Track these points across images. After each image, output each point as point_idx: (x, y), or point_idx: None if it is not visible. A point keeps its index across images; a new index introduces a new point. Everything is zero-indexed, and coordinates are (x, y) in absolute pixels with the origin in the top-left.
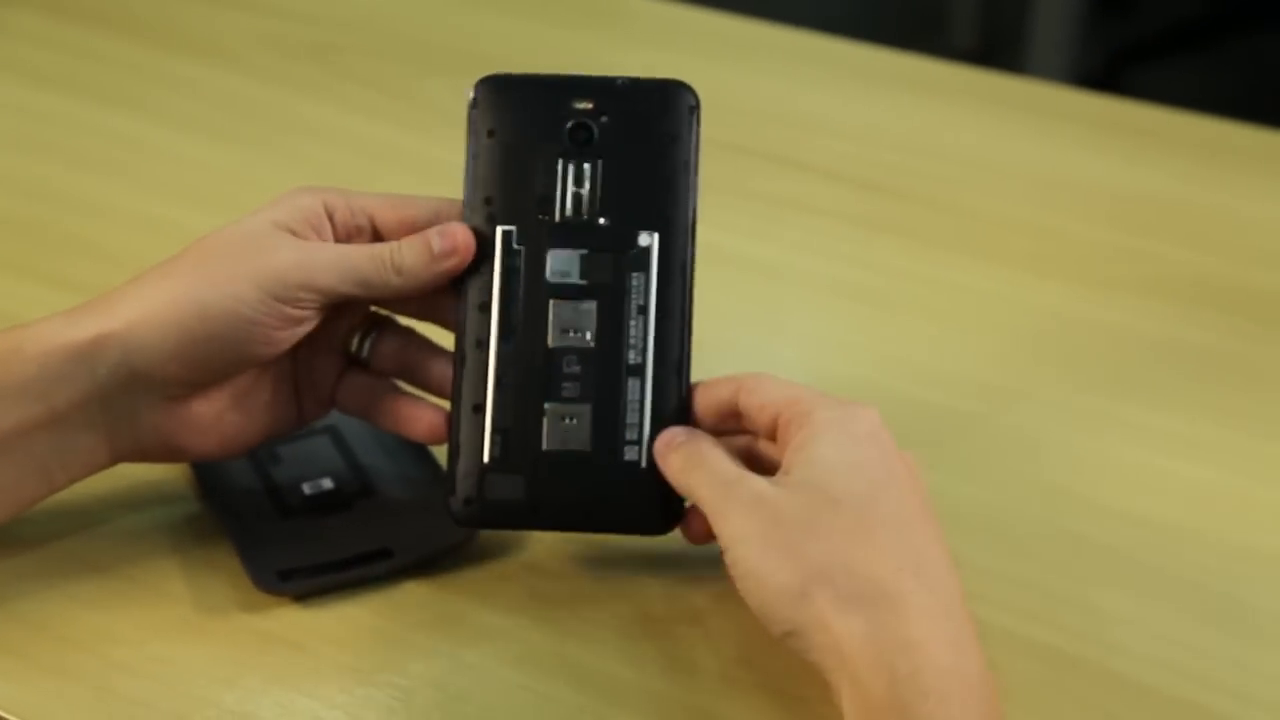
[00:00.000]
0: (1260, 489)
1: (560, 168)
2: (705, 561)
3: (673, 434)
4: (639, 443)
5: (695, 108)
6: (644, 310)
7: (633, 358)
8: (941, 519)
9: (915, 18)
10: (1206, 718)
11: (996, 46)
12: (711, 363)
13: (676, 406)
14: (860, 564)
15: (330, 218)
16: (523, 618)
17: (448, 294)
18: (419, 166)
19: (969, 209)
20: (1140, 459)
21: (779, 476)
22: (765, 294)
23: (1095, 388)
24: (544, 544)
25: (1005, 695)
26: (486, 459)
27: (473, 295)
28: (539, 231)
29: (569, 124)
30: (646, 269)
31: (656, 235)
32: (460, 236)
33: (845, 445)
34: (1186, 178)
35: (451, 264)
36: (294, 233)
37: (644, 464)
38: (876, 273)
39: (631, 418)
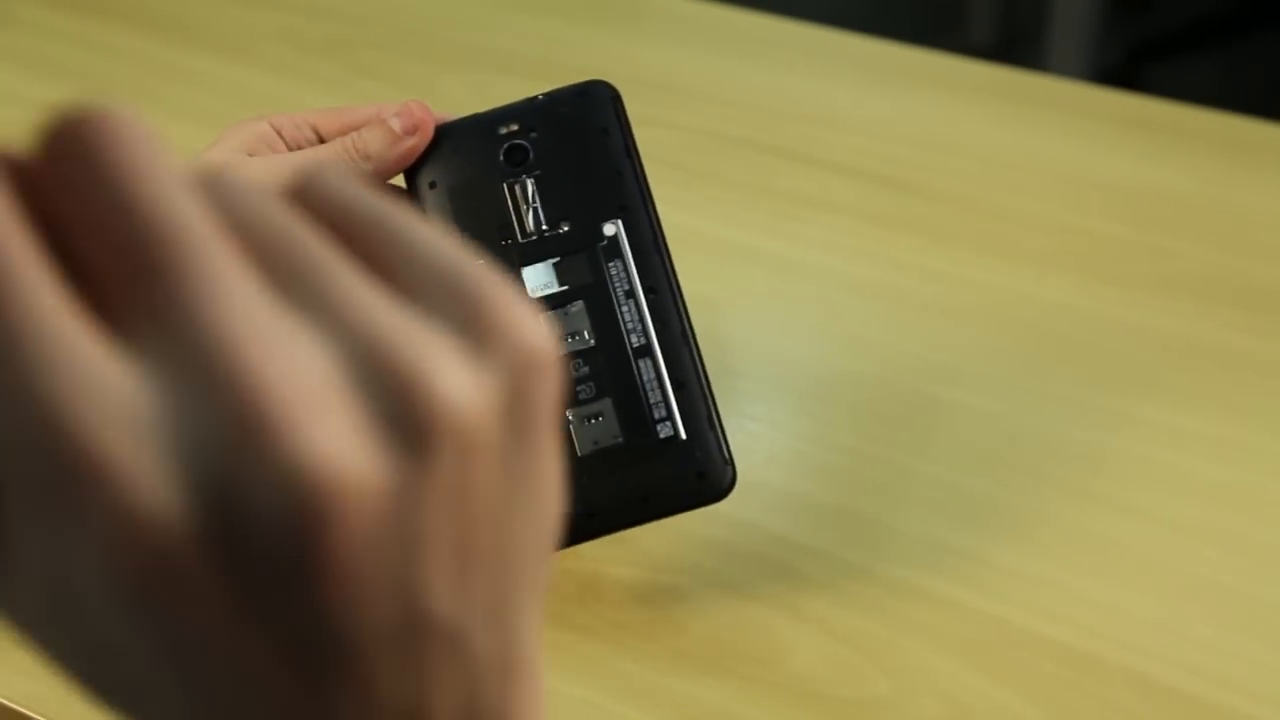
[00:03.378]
0: None
1: (507, 192)
2: (730, 558)
3: None
4: (669, 418)
5: (616, 98)
6: (631, 294)
7: (635, 341)
8: (962, 517)
9: (934, 14)
10: (1229, 719)
11: (1015, 43)
12: (728, 358)
13: (694, 372)
14: None
15: (279, 134)
16: (545, 618)
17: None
18: None
19: (988, 206)
20: (1161, 457)
21: None
22: (782, 290)
23: (1115, 386)
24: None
25: (1026, 695)
26: None
27: None
28: (507, 257)
29: (502, 149)
30: (621, 255)
31: (619, 222)
32: (418, 113)
33: None
34: (1207, 175)
35: (414, 142)
36: (254, 155)
37: (683, 435)
38: (894, 269)
39: (654, 396)
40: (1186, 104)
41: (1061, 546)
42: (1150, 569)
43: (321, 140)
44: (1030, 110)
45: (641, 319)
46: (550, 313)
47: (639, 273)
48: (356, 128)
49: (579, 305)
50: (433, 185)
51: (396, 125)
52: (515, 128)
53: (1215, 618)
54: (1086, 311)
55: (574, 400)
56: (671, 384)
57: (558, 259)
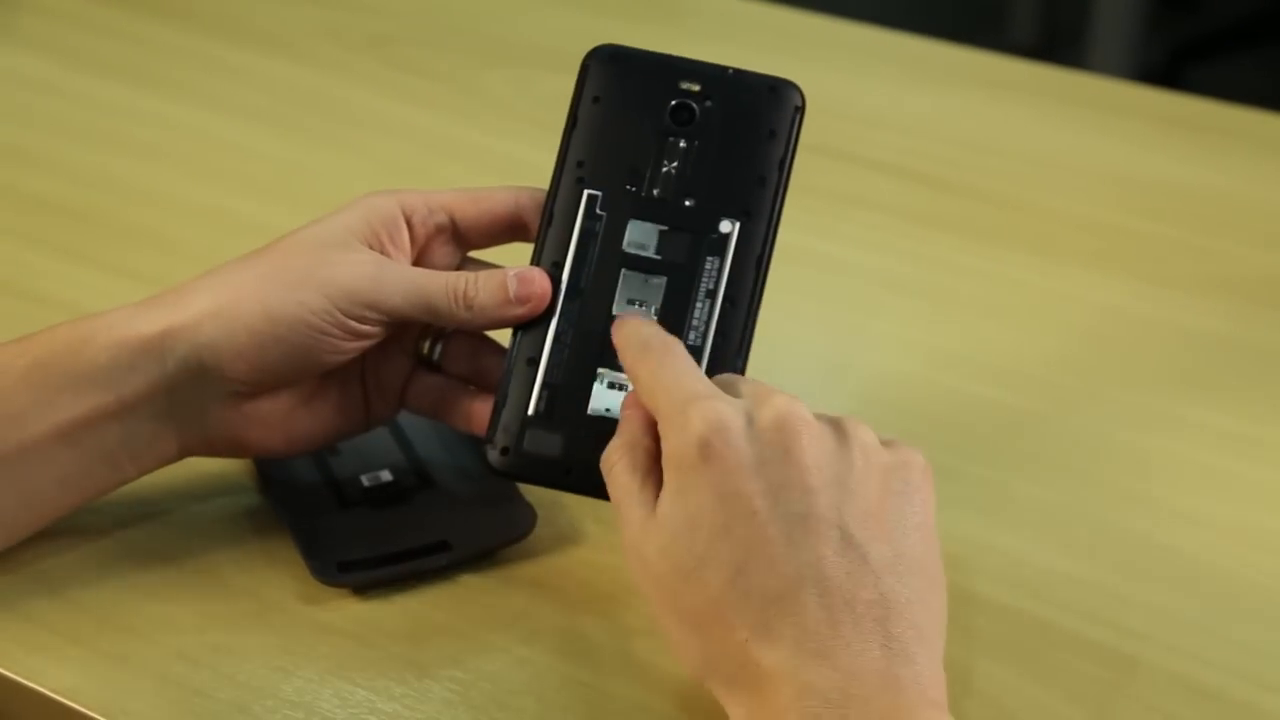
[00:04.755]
0: None
1: (656, 143)
2: None
3: (642, 324)
4: None
5: (800, 108)
6: (712, 295)
7: (692, 339)
8: (1004, 518)
9: (975, 12)
10: None
11: (1057, 41)
12: (768, 357)
13: None
14: (720, 642)
15: (409, 220)
16: (581, 612)
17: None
18: (476, 158)
19: (1030, 205)
20: (1205, 459)
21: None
22: (824, 290)
23: (1158, 387)
24: (602, 538)
25: (1068, 697)
26: (530, 412)
27: (548, 252)
28: (624, 201)
29: (673, 103)
30: (722, 255)
31: (738, 224)
32: (538, 284)
33: (681, 497)
34: (1250, 174)
35: (524, 311)
36: (370, 244)
37: None
38: (936, 269)
39: None
40: (1229, 103)
41: (1105, 548)
42: (1195, 571)
43: (455, 225)
44: (1072, 109)
45: (707, 323)
46: (632, 273)
47: (729, 281)
48: (496, 216)
49: (661, 280)
50: (596, 100)
51: (513, 289)
52: (695, 88)
53: (1260, 621)
54: (1129, 311)
55: (611, 362)
56: None
57: (666, 228)
